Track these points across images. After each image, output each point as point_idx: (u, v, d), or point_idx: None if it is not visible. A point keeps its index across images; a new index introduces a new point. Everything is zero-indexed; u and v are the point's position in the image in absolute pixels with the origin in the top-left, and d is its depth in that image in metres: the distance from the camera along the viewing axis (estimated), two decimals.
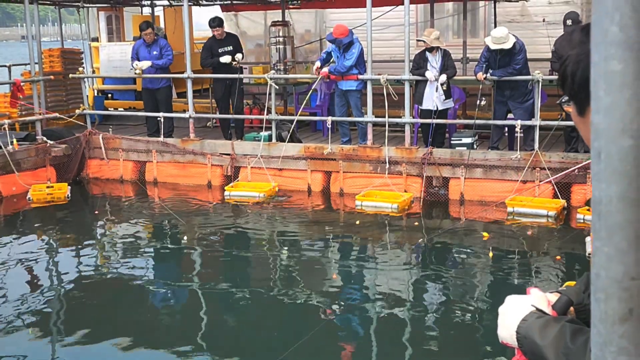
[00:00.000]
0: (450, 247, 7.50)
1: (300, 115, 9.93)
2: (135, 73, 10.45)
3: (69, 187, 9.69)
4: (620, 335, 0.66)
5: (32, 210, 9.18)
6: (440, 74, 8.90)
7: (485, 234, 7.49)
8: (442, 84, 8.87)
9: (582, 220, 7.80)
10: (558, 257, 6.97)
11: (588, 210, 7.80)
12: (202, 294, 6.30)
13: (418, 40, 9.37)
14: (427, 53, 9.06)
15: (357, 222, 8.24)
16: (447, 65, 8.98)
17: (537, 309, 1.20)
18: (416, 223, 8.17)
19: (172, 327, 5.72)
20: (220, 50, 10.23)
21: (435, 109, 8.99)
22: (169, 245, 7.91)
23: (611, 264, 0.66)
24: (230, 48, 10.22)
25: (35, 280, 6.80)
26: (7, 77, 11.48)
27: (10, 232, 8.31)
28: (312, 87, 9.98)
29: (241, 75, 10.62)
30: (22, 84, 10.54)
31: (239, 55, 10.19)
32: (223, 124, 10.65)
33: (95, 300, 6.24)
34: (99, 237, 8.26)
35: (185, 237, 8.08)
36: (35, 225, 8.77)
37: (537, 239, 7.74)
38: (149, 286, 6.61)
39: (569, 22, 8.72)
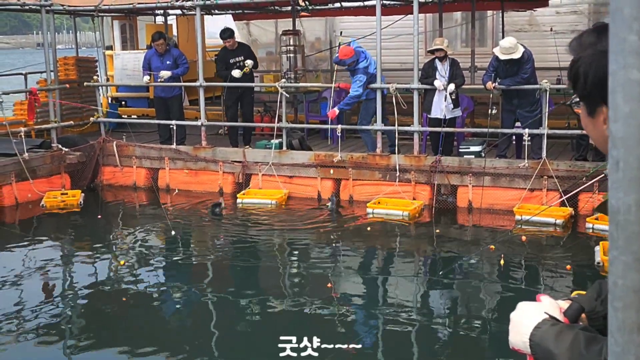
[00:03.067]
0: (460, 254, 7.53)
1: (310, 123, 10.05)
2: (160, 81, 10.56)
3: (83, 193, 9.85)
4: (638, 344, 0.64)
5: (46, 216, 9.33)
6: (449, 82, 8.98)
7: (492, 246, 7.47)
8: (450, 94, 8.94)
9: (591, 229, 7.81)
10: (568, 267, 6.99)
11: (596, 219, 7.83)
12: (213, 302, 6.36)
13: (428, 51, 9.46)
14: (436, 62, 9.15)
15: (369, 229, 8.30)
16: (455, 74, 9.05)
17: (550, 316, 1.19)
18: (438, 230, 8.18)
19: (182, 334, 5.79)
20: (231, 61, 10.41)
21: (443, 117, 9.08)
22: (181, 252, 7.99)
23: (629, 273, 0.64)
24: (241, 58, 10.40)
25: (47, 286, 6.92)
26: (23, 85, 11.72)
27: (23, 239, 8.46)
28: (322, 96, 10.10)
29: (252, 84, 10.75)
30: (38, 92, 10.74)
31: (249, 62, 10.32)
32: (231, 131, 10.80)
33: (106, 306, 6.34)
34: (110, 244, 8.37)
35: (196, 244, 8.19)
36: (47, 231, 8.89)
37: (545, 247, 7.77)
38: (160, 293, 6.70)
39: None
